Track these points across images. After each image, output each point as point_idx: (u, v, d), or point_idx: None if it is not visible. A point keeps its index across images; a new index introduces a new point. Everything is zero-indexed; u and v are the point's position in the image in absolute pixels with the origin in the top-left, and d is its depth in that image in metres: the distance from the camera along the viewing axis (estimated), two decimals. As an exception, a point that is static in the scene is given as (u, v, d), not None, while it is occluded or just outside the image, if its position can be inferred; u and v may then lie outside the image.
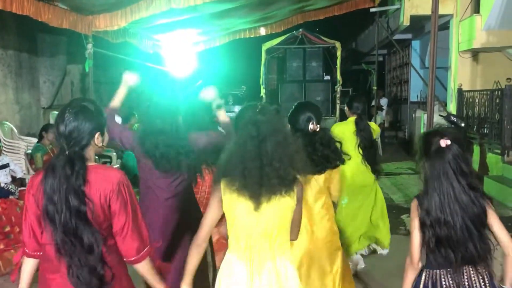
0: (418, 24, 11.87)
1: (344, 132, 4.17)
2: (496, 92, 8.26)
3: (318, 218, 2.99)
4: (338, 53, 12.50)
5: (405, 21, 10.59)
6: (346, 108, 4.54)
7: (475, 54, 10.29)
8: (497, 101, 8.16)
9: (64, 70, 9.19)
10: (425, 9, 9.59)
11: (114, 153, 7.73)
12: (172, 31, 8.40)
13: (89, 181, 1.93)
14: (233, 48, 15.19)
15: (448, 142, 2.17)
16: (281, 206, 2.10)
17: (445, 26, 10.68)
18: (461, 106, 10.03)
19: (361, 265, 4.53)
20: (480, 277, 2.24)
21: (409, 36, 14.46)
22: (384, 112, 14.69)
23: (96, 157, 7.67)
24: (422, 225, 2.20)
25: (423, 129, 10.48)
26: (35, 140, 6.49)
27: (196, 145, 3.07)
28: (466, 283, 2.20)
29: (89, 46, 6.58)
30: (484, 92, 8.98)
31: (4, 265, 4.53)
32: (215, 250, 3.50)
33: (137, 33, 7.96)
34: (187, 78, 11.41)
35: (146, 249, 2.06)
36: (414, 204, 2.26)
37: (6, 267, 4.53)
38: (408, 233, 2.59)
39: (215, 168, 2.88)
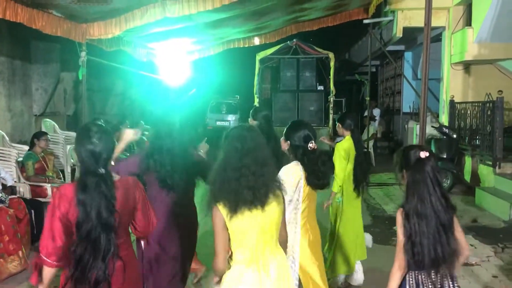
0: (411, 35, 11.98)
1: (351, 149, 4.49)
2: (488, 104, 8.33)
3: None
4: (332, 64, 12.57)
5: (398, 33, 10.68)
6: (338, 125, 4.63)
7: (467, 66, 10.39)
8: (489, 113, 8.22)
9: (57, 77, 9.14)
10: (418, 21, 9.70)
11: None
12: (167, 40, 8.40)
13: (116, 194, 2.24)
14: (227, 57, 15.27)
15: (427, 154, 2.47)
16: (271, 214, 2.33)
17: (438, 38, 10.79)
18: (453, 118, 10.10)
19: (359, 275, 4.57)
20: (450, 279, 2.45)
21: (401, 47, 14.59)
22: (376, 123, 14.74)
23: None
24: (408, 237, 2.40)
25: (415, 140, 10.54)
26: (26, 147, 6.43)
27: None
28: (439, 285, 2.42)
29: (83, 54, 6.55)
30: (476, 104, 9.05)
31: (-7, 274, 4.48)
32: None
33: (131, 41, 7.95)
34: (181, 86, 11.42)
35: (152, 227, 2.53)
36: (399, 213, 2.47)
37: (-5, 275, 4.48)
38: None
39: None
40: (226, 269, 2.36)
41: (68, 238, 2.20)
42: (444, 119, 10.54)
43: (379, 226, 6.74)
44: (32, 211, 5.38)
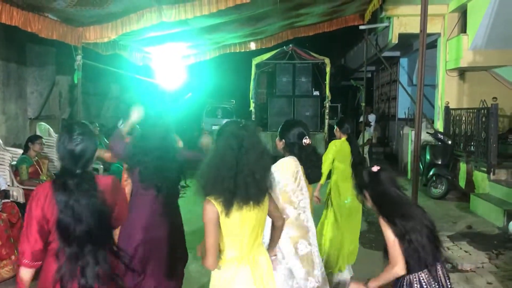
0: (406, 42, 12.04)
1: (345, 149, 4.68)
2: (483, 111, 8.37)
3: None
4: (328, 69, 12.60)
5: (394, 39, 10.73)
6: (336, 128, 4.79)
7: (462, 72, 10.45)
8: (483, 119, 8.26)
9: (53, 81, 9.12)
10: (413, 28, 9.76)
11: (101, 166, 7.64)
12: (163, 44, 8.39)
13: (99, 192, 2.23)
14: (223, 62, 15.27)
15: (378, 167, 2.65)
16: (258, 214, 2.35)
17: (433, 45, 10.85)
18: (448, 124, 10.14)
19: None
20: (446, 275, 2.61)
21: (397, 53, 14.65)
22: (372, 128, 14.77)
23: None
24: (401, 237, 2.51)
25: (410, 146, 10.56)
26: (21, 151, 6.40)
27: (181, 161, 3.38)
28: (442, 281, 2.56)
29: (78, 57, 6.52)
30: (471, 111, 9.10)
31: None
32: None
33: (127, 45, 7.93)
34: (177, 91, 11.40)
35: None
36: (381, 220, 2.59)
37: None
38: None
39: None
40: (216, 268, 2.35)
41: (44, 238, 2.17)
42: (439, 125, 10.58)
43: (374, 231, 6.74)
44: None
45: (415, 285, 2.52)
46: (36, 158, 6.24)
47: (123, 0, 5.55)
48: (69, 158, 2.19)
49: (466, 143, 9.29)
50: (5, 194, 5.43)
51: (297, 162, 3.06)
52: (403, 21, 10.55)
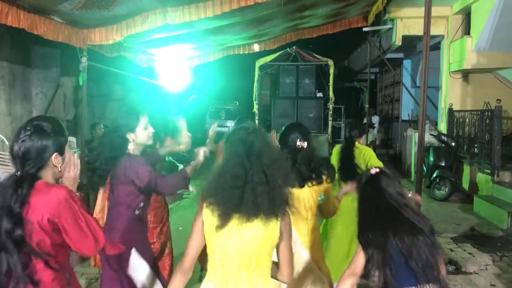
0: (410, 43, 12.05)
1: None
2: (486, 113, 8.37)
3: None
4: (331, 71, 12.61)
5: (397, 41, 10.75)
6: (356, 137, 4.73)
7: (466, 74, 10.45)
8: (487, 121, 8.26)
9: (57, 82, 9.16)
10: (417, 30, 9.78)
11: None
12: (167, 46, 8.42)
13: (30, 203, 1.86)
14: (227, 63, 15.31)
15: (377, 170, 2.43)
16: (259, 233, 2.00)
17: (436, 47, 10.86)
18: (451, 126, 10.14)
19: None
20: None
21: (400, 55, 14.66)
22: (375, 130, 14.79)
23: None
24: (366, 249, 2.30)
25: (413, 147, 10.57)
26: (26, 152, 6.43)
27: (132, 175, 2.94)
28: None
29: (84, 59, 6.56)
30: (475, 113, 9.10)
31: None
32: None
33: (132, 47, 7.97)
34: (181, 92, 11.45)
35: (102, 244, 2.04)
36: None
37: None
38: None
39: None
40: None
41: None
42: (442, 127, 10.58)
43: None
44: (31, 216, 5.37)
45: None
46: (42, 159, 6.27)
47: (128, 3, 5.58)
48: (14, 158, 1.93)
49: (469, 145, 9.29)
50: (11, 195, 5.46)
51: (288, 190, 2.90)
52: (406, 23, 10.57)
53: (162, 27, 6.21)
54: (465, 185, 9.04)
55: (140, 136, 3.00)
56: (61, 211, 1.89)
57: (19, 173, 1.91)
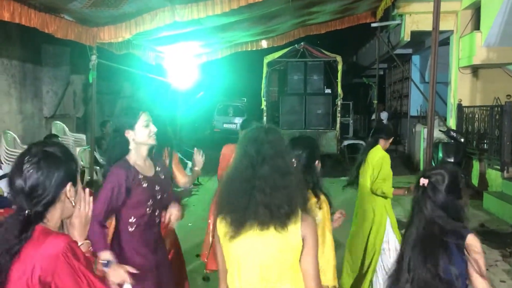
0: (419, 39, 11.99)
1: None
2: (496, 109, 8.32)
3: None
4: (339, 67, 12.58)
5: (406, 37, 10.70)
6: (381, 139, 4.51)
7: (475, 70, 10.38)
8: (497, 117, 8.22)
9: (67, 80, 9.25)
10: (426, 25, 9.71)
11: (98, 167, 7.60)
12: (175, 43, 8.46)
13: (20, 255, 1.45)
14: (235, 60, 15.32)
15: (426, 181, 2.23)
16: (276, 242, 1.79)
17: (445, 42, 10.79)
18: (460, 122, 10.09)
19: None
20: None
21: (409, 51, 14.58)
22: (384, 126, 14.72)
23: (98, 167, 7.61)
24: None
25: (422, 144, 10.53)
26: (37, 150, 6.51)
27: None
28: None
29: (93, 57, 6.62)
30: (484, 108, 9.04)
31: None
32: None
33: (141, 44, 8.02)
34: (189, 89, 11.49)
35: None
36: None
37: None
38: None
39: None
40: None
41: None
42: (451, 123, 10.53)
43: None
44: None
45: None
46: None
47: (137, 1, 5.62)
48: (16, 195, 1.51)
49: (479, 141, 9.24)
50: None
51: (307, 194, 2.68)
52: (415, 19, 10.51)
53: (171, 24, 6.24)
54: (475, 181, 9.00)
55: (139, 134, 2.67)
56: (57, 269, 1.45)
57: (26, 212, 1.49)
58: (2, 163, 5.59)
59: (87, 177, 7.81)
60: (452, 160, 8.90)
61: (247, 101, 20.12)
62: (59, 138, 6.81)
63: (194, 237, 5.36)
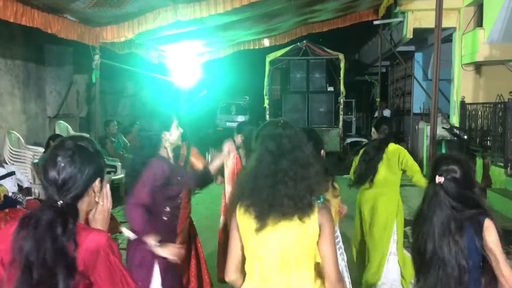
0: (421, 36, 11.95)
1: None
2: (499, 105, 8.30)
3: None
4: (342, 65, 12.59)
5: (408, 34, 10.67)
6: (373, 131, 4.52)
7: (478, 67, 10.35)
8: (500, 114, 8.19)
9: (70, 80, 9.27)
10: (428, 22, 9.69)
11: (119, 163, 7.74)
12: (178, 42, 8.48)
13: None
14: (238, 59, 15.33)
15: (442, 180, 2.26)
16: (297, 232, 1.90)
17: (448, 39, 10.76)
18: (463, 119, 10.07)
19: None
20: None
21: (412, 48, 14.54)
22: (387, 124, 14.70)
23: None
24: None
25: (425, 141, 10.52)
26: (41, 149, 6.54)
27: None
28: None
29: (96, 57, 6.66)
30: (487, 105, 9.02)
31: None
32: None
33: (143, 44, 8.04)
34: (192, 88, 11.51)
35: None
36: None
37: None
38: (410, 245, 2.65)
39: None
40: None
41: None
42: (454, 120, 10.51)
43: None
44: (48, 212, 5.47)
45: None
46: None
47: (140, 0, 5.64)
48: (49, 186, 1.57)
49: (482, 138, 9.22)
50: (27, 191, 5.57)
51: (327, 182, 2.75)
52: (417, 16, 10.48)
53: (173, 23, 6.26)
54: (478, 178, 8.98)
55: (173, 135, 3.01)
56: (97, 263, 1.54)
57: (59, 204, 1.55)
58: (6, 163, 5.62)
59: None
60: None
61: (250, 99, 20.13)
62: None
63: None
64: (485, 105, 9.19)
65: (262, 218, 1.90)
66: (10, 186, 5.26)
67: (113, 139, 8.56)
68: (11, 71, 7.43)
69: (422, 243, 2.27)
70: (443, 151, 9.11)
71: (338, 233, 3.03)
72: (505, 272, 2.17)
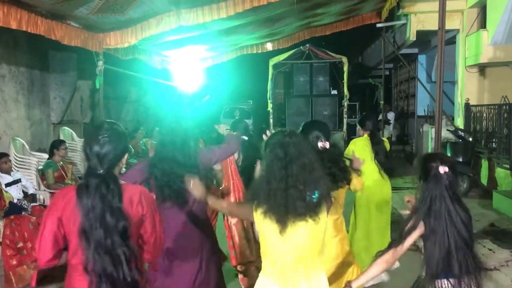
0: (424, 38, 11.94)
1: (363, 146, 4.56)
2: (504, 107, 8.26)
3: (328, 238, 3.00)
4: (345, 68, 12.57)
5: (412, 36, 10.65)
6: (358, 128, 4.73)
7: (482, 68, 10.31)
8: (505, 115, 8.15)
9: (74, 86, 9.30)
10: (431, 25, 9.67)
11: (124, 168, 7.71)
12: (181, 48, 8.50)
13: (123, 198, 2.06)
14: (241, 63, 15.37)
15: (446, 169, 2.37)
16: (312, 230, 2.17)
17: (452, 41, 10.73)
18: (468, 121, 10.03)
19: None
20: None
21: (415, 50, 14.52)
22: (391, 126, 14.69)
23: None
24: (426, 240, 2.40)
25: (430, 143, 10.47)
26: (45, 156, 6.55)
27: (206, 164, 3.21)
28: None
29: (100, 63, 6.67)
30: (492, 107, 8.98)
31: (16, 280, 4.57)
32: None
33: (147, 49, 8.06)
34: (195, 93, 11.53)
35: (159, 254, 2.31)
36: (416, 213, 2.44)
37: (19, 282, 4.57)
38: (417, 249, 2.65)
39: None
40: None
41: (59, 242, 2.05)
42: (459, 122, 10.46)
43: (395, 231, 6.71)
44: (53, 218, 5.49)
45: None
46: (61, 163, 6.39)
47: (143, 6, 5.65)
48: (92, 159, 2.05)
49: (487, 140, 9.17)
50: (32, 197, 5.58)
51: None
52: (420, 18, 10.47)
53: (176, 29, 6.27)
54: (484, 180, 8.93)
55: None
56: (144, 201, 2.11)
57: (101, 172, 2.04)
58: (12, 170, 5.63)
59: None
60: (461, 160, 8.84)
61: (253, 103, 20.13)
62: (67, 144, 6.85)
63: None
64: (490, 106, 9.14)
65: (283, 221, 2.13)
66: (15, 192, 5.28)
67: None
68: (15, 78, 7.46)
69: (446, 238, 2.35)
70: (448, 153, 9.07)
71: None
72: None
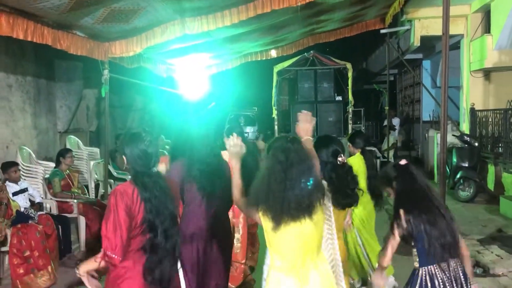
0: (429, 44, 11.93)
1: (360, 165, 4.47)
2: (510, 112, 8.24)
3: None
4: (350, 74, 12.56)
5: (416, 42, 10.66)
6: (349, 145, 4.70)
7: (487, 73, 10.29)
8: (511, 120, 8.12)
9: (80, 95, 9.36)
10: (436, 30, 9.68)
11: (129, 176, 7.75)
12: (186, 56, 8.54)
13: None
14: (245, 70, 15.39)
15: (405, 161, 2.79)
16: (312, 227, 2.35)
17: (456, 46, 10.73)
18: (474, 126, 10.00)
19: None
20: (462, 275, 2.65)
21: (419, 56, 14.51)
22: (396, 132, 14.64)
23: (112, 180, 7.72)
24: (409, 235, 2.65)
25: (436, 149, 10.44)
26: (52, 164, 6.59)
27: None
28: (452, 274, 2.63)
29: (105, 72, 6.70)
30: (498, 111, 8.95)
31: (23, 289, 4.59)
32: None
33: (152, 58, 8.11)
34: (200, 100, 11.56)
35: None
36: (400, 212, 2.67)
37: (25, 291, 4.59)
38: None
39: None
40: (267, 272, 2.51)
41: (129, 232, 2.34)
42: (465, 127, 10.43)
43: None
44: (59, 226, 5.52)
45: (425, 277, 2.61)
46: (68, 171, 6.42)
47: (148, 15, 5.69)
48: (143, 159, 2.49)
49: (493, 145, 9.14)
50: (39, 206, 5.61)
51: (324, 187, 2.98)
52: (424, 24, 10.47)
53: (181, 37, 6.31)
54: (490, 185, 8.88)
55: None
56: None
57: (154, 170, 2.57)
58: (20, 179, 5.66)
59: (101, 190, 7.87)
60: (467, 165, 8.80)
61: (258, 110, 20.14)
62: (73, 152, 6.88)
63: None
64: (495, 111, 9.12)
65: (276, 220, 2.30)
66: (22, 201, 5.30)
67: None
68: (22, 87, 7.52)
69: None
70: (454, 159, 9.03)
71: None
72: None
